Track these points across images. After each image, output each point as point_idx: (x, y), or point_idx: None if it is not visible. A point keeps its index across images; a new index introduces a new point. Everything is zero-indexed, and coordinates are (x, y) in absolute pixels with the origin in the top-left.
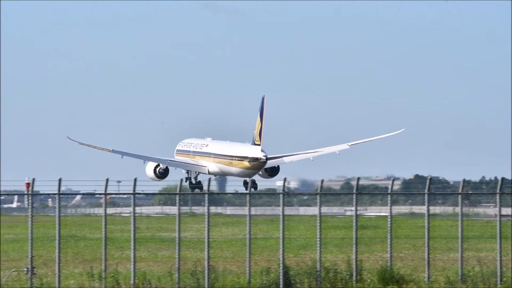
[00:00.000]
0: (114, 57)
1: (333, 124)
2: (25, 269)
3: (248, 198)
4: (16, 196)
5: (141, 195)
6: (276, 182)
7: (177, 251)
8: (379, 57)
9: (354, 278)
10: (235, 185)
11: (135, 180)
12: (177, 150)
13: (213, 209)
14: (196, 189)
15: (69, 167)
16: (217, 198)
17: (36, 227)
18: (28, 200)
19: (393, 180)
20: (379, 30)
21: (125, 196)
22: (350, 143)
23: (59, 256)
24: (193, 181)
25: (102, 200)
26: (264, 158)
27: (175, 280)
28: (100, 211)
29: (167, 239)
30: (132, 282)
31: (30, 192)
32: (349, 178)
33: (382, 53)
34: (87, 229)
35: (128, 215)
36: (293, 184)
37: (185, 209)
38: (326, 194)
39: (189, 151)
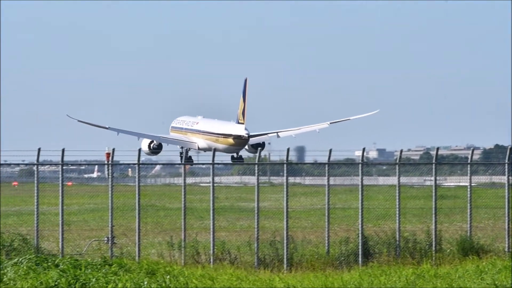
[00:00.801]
0: (114, 40)
1: (313, 104)
2: (106, 239)
3: (327, 168)
4: (96, 166)
5: (220, 165)
6: (355, 152)
7: (256, 221)
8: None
9: (433, 248)
10: (314, 155)
11: (214, 150)
12: (172, 127)
13: (291, 179)
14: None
15: (71, 140)
16: (295, 168)
17: (116, 196)
18: (108, 170)
19: (473, 150)
20: (365, 10)
21: (204, 166)
22: (329, 122)
23: (139, 225)
24: (184, 155)
25: (182, 170)
26: (246, 135)
27: (254, 249)
28: (179, 181)
29: (246, 209)
30: (211, 251)
31: (110, 162)
32: (428, 148)
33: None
34: (166, 199)
35: (207, 185)
36: (372, 154)
37: (263, 179)
38: (405, 164)
39: (181, 128)
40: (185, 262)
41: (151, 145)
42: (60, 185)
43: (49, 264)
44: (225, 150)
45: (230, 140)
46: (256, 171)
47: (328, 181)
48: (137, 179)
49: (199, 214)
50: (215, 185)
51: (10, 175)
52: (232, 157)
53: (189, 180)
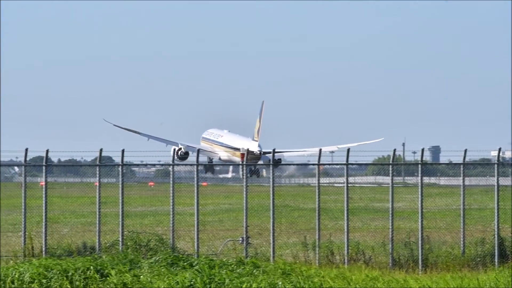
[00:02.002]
0: (154, 48)
1: (323, 127)
2: (240, 239)
3: (462, 168)
4: (231, 166)
5: (354, 166)
6: (491, 152)
7: (390, 221)
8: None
9: None
10: (449, 155)
11: (348, 150)
12: (202, 137)
13: (426, 180)
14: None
15: (106, 143)
16: (430, 169)
17: (251, 197)
18: (242, 170)
19: None
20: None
21: (338, 166)
22: (338, 146)
23: (273, 226)
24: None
25: (316, 171)
26: (258, 152)
27: (388, 250)
28: (313, 181)
29: (380, 209)
30: (345, 252)
31: (244, 163)
32: None
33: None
34: (300, 199)
35: (341, 185)
36: (508, 154)
37: (398, 179)
38: None
39: (209, 139)
40: (319, 262)
41: (179, 152)
42: (196, 185)
43: (185, 264)
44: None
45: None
46: (390, 172)
47: (464, 181)
48: (271, 180)
49: (333, 215)
50: (349, 185)
51: (146, 176)
52: (250, 170)
53: (323, 180)
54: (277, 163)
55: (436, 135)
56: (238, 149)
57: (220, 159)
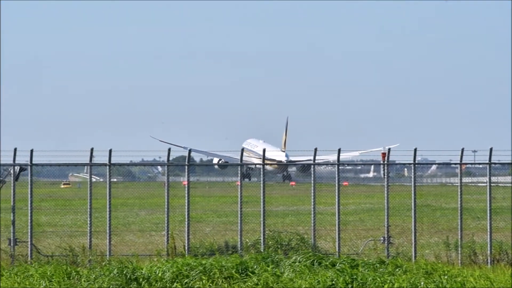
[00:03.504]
0: (194, 67)
1: (344, 133)
2: (382, 238)
3: None
4: (372, 166)
5: (497, 165)
6: None
7: None
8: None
9: None
10: None
11: (491, 149)
12: (242, 147)
13: None
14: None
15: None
16: None
17: (392, 196)
18: (384, 169)
19: None
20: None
21: (480, 165)
22: (360, 152)
23: (415, 225)
24: (244, 172)
25: (458, 170)
26: (285, 161)
27: None
28: (455, 180)
29: None
30: (488, 252)
31: (386, 162)
32: None
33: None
34: (442, 199)
35: (484, 185)
36: None
37: None
38: None
39: (247, 149)
40: (462, 262)
41: (219, 162)
42: (336, 184)
43: (326, 263)
44: (273, 171)
45: (275, 164)
46: None
47: None
48: (413, 179)
49: (475, 214)
50: (492, 185)
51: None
52: (283, 175)
53: (466, 180)
54: (305, 169)
55: None
56: (269, 159)
57: (256, 167)
